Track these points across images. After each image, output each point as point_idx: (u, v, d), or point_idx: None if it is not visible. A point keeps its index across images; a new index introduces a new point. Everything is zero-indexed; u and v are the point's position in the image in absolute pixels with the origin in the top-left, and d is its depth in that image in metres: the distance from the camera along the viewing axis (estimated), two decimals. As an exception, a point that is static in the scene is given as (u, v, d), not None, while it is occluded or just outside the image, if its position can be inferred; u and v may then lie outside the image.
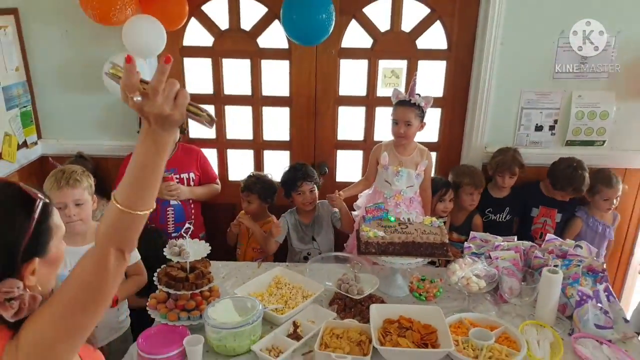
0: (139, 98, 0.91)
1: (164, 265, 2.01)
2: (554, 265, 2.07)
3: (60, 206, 1.97)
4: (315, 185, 2.69)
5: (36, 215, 0.97)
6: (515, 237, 2.52)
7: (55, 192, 1.97)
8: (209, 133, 3.10)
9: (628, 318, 2.14)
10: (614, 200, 2.72)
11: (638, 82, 2.74)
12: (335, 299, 2.16)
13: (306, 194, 2.66)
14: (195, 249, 1.98)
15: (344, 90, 2.99)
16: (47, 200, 1.02)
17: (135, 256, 2.16)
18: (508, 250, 2.37)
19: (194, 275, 1.94)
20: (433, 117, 2.96)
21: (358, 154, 3.10)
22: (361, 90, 2.99)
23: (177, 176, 2.70)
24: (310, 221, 2.75)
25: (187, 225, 1.98)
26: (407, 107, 2.50)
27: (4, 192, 0.99)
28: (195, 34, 2.90)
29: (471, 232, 2.54)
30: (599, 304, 2.04)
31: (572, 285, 2.14)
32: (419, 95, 2.50)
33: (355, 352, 1.80)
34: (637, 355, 1.89)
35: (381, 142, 2.72)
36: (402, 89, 2.89)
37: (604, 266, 2.28)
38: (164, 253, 1.96)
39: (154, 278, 1.99)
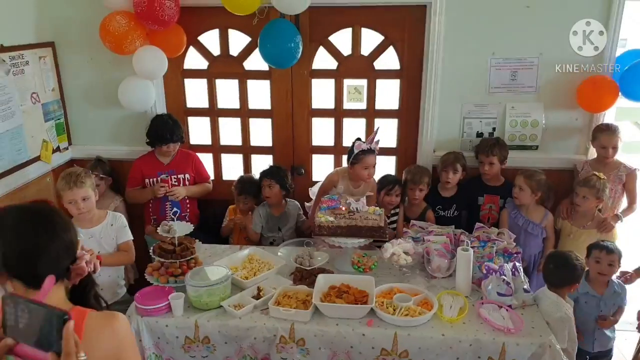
0: None
1: (160, 241, 2.59)
2: (465, 245, 2.55)
3: (72, 202, 2.54)
4: (275, 182, 3.14)
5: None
6: (453, 227, 3.00)
7: (67, 192, 2.52)
8: (206, 140, 3.67)
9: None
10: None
11: (560, 94, 3.14)
12: (295, 271, 2.69)
13: (265, 188, 3.17)
14: (181, 227, 2.57)
15: (316, 104, 3.49)
16: None
17: (127, 235, 2.73)
18: (440, 235, 2.87)
19: (180, 248, 2.52)
20: (391, 126, 3.46)
21: (330, 158, 3.59)
22: (330, 104, 3.48)
23: (175, 176, 3.24)
24: (279, 214, 3.27)
25: (175, 209, 2.56)
26: (373, 155, 2.93)
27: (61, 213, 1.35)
28: (194, 59, 3.47)
29: (411, 220, 3.04)
30: (503, 276, 2.49)
31: (486, 262, 2.63)
32: (377, 142, 2.95)
33: (300, 308, 2.34)
34: (529, 316, 2.35)
35: (337, 169, 3.24)
36: (363, 104, 3.42)
37: (518, 249, 2.75)
38: (157, 231, 2.55)
39: (150, 251, 2.57)
